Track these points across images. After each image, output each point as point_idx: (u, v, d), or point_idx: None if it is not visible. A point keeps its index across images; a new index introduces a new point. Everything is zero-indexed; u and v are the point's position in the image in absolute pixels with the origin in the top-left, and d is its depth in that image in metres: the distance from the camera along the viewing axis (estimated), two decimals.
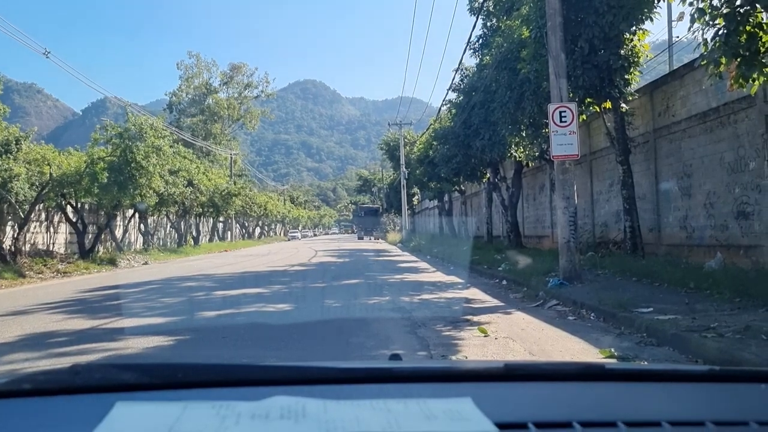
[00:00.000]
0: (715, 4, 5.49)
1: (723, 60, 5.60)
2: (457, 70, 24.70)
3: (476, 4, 21.94)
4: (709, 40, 5.78)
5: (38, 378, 1.25)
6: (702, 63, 6.08)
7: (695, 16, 5.65)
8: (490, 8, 20.83)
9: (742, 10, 5.29)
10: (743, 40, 5.31)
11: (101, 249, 26.96)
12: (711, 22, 5.60)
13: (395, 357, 1.63)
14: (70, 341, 6.96)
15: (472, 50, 22.66)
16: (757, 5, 5.06)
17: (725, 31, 5.41)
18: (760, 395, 1.23)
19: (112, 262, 23.73)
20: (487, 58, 18.85)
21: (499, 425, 0.90)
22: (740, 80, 5.68)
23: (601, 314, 7.96)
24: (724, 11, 5.41)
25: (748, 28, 5.34)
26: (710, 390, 1.28)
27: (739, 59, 5.47)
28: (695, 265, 10.67)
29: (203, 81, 64.92)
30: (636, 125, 13.79)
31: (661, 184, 13.42)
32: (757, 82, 5.74)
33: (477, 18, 21.08)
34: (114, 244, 29.22)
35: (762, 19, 5.35)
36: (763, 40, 5.38)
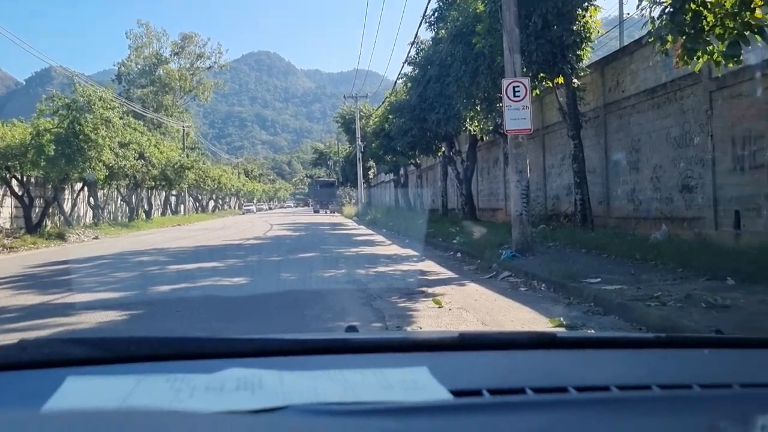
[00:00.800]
0: None
1: (669, 38, 5.77)
2: (412, 44, 24.63)
3: None
4: (656, 17, 5.95)
5: None
6: (649, 40, 6.26)
7: None
8: None
9: None
10: (688, 19, 5.48)
11: (49, 223, 26.23)
12: (658, 0, 5.76)
13: (351, 329, 1.63)
14: (20, 317, 6.83)
15: (427, 24, 22.58)
16: None
17: (671, 9, 5.57)
18: (703, 360, 1.29)
19: (60, 237, 23.14)
20: (443, 32, 18.86)
21: (455, 393, 0.91)
22: (685, 58, 5.87)
23: (551, 285, 8.19)
24: None
25: (693, 6, 5.51)
26: (656, 356, 1.32)
27: (684, 37, 5.65)
28: (642, 237, 11.02)
29: (153, 51, 63.14)
30: (587, 100, 14.05)
31: (610, 158, 13.75)
32: (701, 60, 5.93)
33: None
34: (62, 218, 28.47)
35: None
36: (708, 19, 5.56)
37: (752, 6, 5.32)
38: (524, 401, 0.92)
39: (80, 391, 0.95)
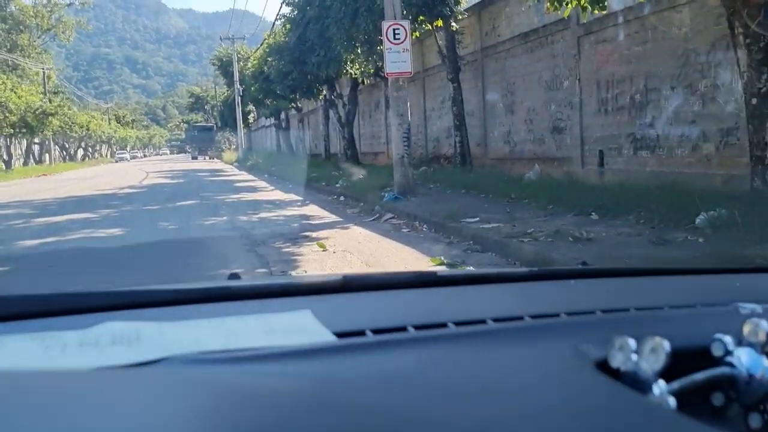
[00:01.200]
0: None
1: None
2: None
3: None
4: None
5: None
6: None
7: None
8: None
9: None
10: None
11: None
12: None
13: (234, 276, 1.59)
14: None
15: None
16: None
17: None
18: (569, 290, 1.36)
19: None
20: None
21: (338, 334, 0.93)
22: (555, 3, 6.10)
23: (432, 225, 8.44)
24: None
25: None
26: (528, 288, 1.39)
27: None
28: (517, 177, 11.55)
29: None
30: (466, 44, 14.31)
31: (487, 101, 14.17)
32: (569, 6, 6.19)
33: None
34: None
35: None
36: None
37: None
38: (406, 338, 0.93)
39: None
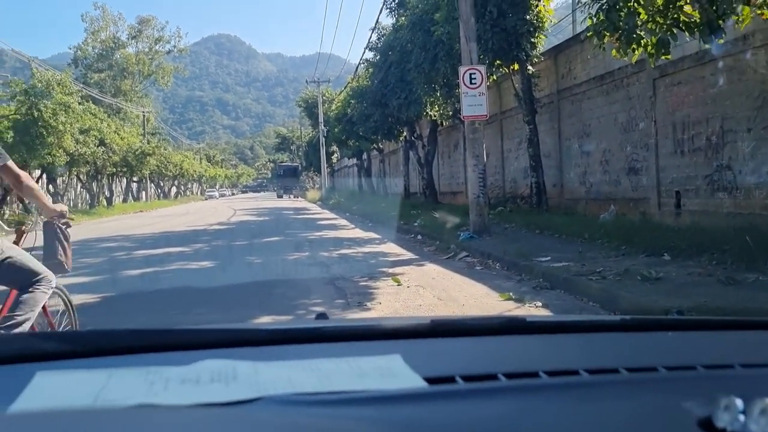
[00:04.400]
0: None
1: (606, 33, 6.25)
2: (374, 29, 24.90)
3: None
4: (593, 14, 6.43)
5: None
6: (588, 35, 6.75)
7: None
8: None
9: None
10: (623, 15, 5.96)
11: (8, 211, 25.95)
12: None
13: (322, 316, 1.63)
14: None
15: (388, 9, 22.86)
16: None
17: (607, 7, 6.05)
18: (666, 342, 1.31)
19: (20, 224, 22.92)
20: (403, 18, 19.17)
21: (429, 380, 0.92)
22: (620, 50, 6.36)
23: (505, 264, 8.69)
24: None
25: (629, 4, 5.98)
26: (622, 339, 1.35)
27: (619, 33, 6.13)
28: (592, 218, 11.62)
29: (110, 35, 61.93)
30: (542, 87, 14.57)
31: (563, 142, 14.32)
32: (636, 53, 6.43)
33: None
34: (21, 205, 28.13)
35: None
36: (641, 15, 6.04)
37: (678, 4, 5.82)
38: (497, 387, 0.93)
39: (51, 386, 0.93)
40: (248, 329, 1.37)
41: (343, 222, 20.78)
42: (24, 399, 0.87)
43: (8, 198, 25.91)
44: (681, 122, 9.99)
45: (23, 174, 3.47)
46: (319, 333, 1.30)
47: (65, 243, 3.67)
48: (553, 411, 0.84)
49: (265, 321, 5.51)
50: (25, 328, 3.19)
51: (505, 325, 1.37)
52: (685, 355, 1.16)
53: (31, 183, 3.55)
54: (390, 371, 0.96)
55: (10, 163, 3.39)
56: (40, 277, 3.35)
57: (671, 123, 10.23)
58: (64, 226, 3.69)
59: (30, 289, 3.29)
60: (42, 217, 3.71)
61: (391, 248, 11.79)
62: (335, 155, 55.55)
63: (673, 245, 7.97)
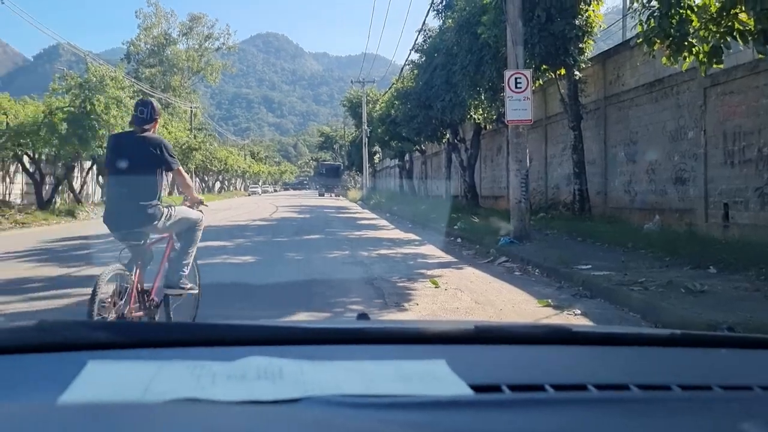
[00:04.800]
0: None
1: (657, 40, 6.15)
2: (420, 31, 24.89)
3: None
4: (644, 21, 6.33)
5: (4, 336, 1.20)
6: (638, 42, 6.64)
7: None
8: None
9: None
10: (674, 23, 5.85)
11: (59, 200, 26.76)
12: (647, 4, 6.13)
13: (363, 316, 1.64)
14: (44, 287, 7.31)
15: (435, 11, 22.82)
16: None
17: (658, 14, 5.95)
18: (721, 360, 1.27)
19: (70, 214, 23.65)
20: (450, 21, 19.13)
21: (474, 387, 0.91)
22: (671, 58, 6.25)
23: (544, 270, 8.62)
24: None
25: (680, 11, 5.88)
26: (673, 354, 1.31)
27: (670, 40, 6.03)
28: (636, 227, 11.43)
29: (162, 31, 63.28)
30: (588, 92, 14.38)
31: (609, 149, 14.12)
32: (687, 60, 6.31)
33: None
34: (72, 195, 28.97)
35: (692, 2, 5.88)
36: (693, 23, 5.93)
37: (733, 12, 5.69)
38: (545, 399, 0.92)
39: (103, 375, 0.95)
40: (293, 327, 1.38)
41: (383, 222, 20.84)
42: (76, 388, 0.88)
43: (60, 188, 26.72)
44: (732, 132, 9.76)
45: (187, 176, 5.26)
46: (363, 334, 1.31)
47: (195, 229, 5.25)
48: (603, 427, 0.83)
49: (305, 318, 5.59)
50: (182, 274, 4.91)
51: (551, 334, 1.36)
52: (741, 375, 1.13)
53: (189, 182, 5.43)
54: (435, 377, 0.96)
55: (180, 167, 4.97)
56: (194, 225, 5.11)
57: (722, 133, 10.00)
58: (199, 212, 5.41)
59: (187, 236, 5.04)
60: (187, 202, 5.36)
61: (431, 250, 11.79)
62: (377, 155, 55.67)
63: (719, 258, 7.79)
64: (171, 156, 4.75)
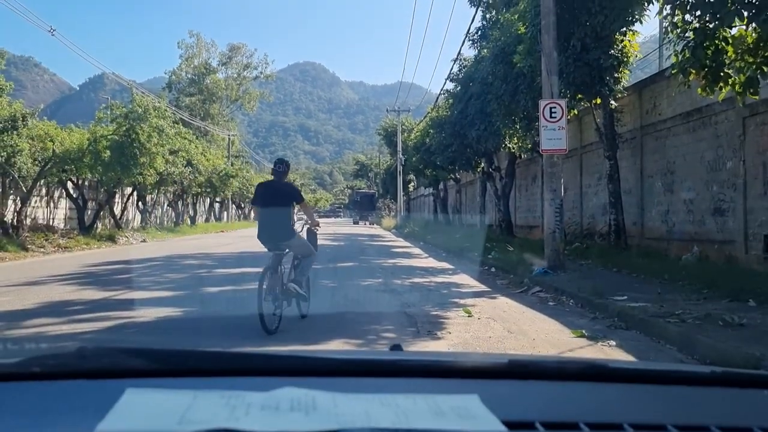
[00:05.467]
0: (687, 19, 6.02)
1: (692, 71, 6.15)
2: (455, 61, 25.17)
3: None
4: (679, 51, 6.33)
5: (47, 362, 1.23)
6: (673, 72, 6.64)
7: (669, 28, 6.19)
8: (490, 1, 21.28)
9: (711, 25, 5.81)
10: (710, 53, 5.85)
11: (100, 225, 27.41)
12: (682, 35, 6.14)
13: (396, 347, 1.64)
14: (85, 309, 7.52)
15: (470, 41, 23.11)
16: (724, 22, 5.59)
17: (693, 44, 5.95)
18: (762, 401, 1.24)
19: (111, 239, 24.20)
20: (485, 50, 19.29)
21: (507, 424, 0.91)
22: (707, 88, 6.24)
23: (579, 301, 8.54)
24: (695, 25, 5.93)
25: (716, 42, 5.87)
26: (713, 394, 1.28)
27: (705, 70, 6.02)
28: (673, 258, 11.26)
29: (203, 61, 64.91)
30: (624, 122, 14.31)
31: (645, 179, 13.98)
32: (723, 91, 6.28)
33: (476, 10, 21.56)
34: (113, 220, 29.66)
35: (728, 33, 5.88)
36: (729, 53, 5.91)
37: None
38: None
39: (140, 404, 0.97)
40: (326, 358, 1.38)
41: (417, 251, 20.85)
42: (113, 417, 0.91)
43: (101, 213, 27.40)
44: None
45: (310, 206, 7.09)
46: (396, 366, 1.32)
47: (316, 240, 7.53)
48: None
49: (339, 345, 5.65)
50: (302, 282, 7.03)
51: (586, 370, 1.33)
52: None
53: (311, 210, 7.67)
54: (468, 412, 0.96)
55: (305, 200, 7.19)
56: (312, 252, 7.25)
57: (761, 163, 9.85)
58: (317, 231, 7.48)
59: (307, 259, 7.14)
60: (307, 225, 7.36)
61: (464, 279, 11.76)
62: (412, 184, 55.89)
63: (759, 291, 7.63)
64: (300, 194, 7.11)
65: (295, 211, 7.34)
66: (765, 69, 5.81)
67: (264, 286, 6.31)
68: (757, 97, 6.68)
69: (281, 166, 7.00)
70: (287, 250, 6.94)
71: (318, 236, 7.57)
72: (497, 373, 1.28)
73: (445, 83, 25.79)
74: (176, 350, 1.35)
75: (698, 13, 5.79)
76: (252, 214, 68.15)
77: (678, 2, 5.94)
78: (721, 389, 1.31)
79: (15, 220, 21.45)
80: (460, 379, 1.26)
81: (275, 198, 6.81)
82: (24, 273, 12.07)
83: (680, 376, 1.41)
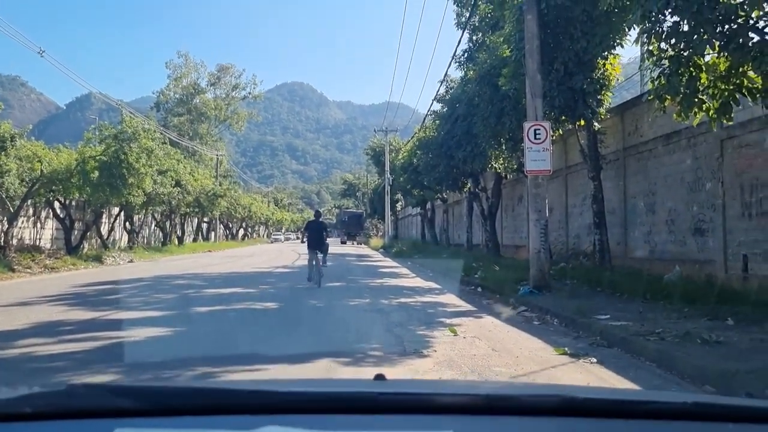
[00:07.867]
0: (662, 47, 6.26)
1: (667, 97, 6.38)
2: (442, 82, 25.55)
3: (462, 20, 22.70)
4: (655, 78, 6.58)
5: (36, 401, 1.24)
6: (649, 98, 6.87)
7: (645, 56, 6.44)
8: (476, 23, 21.64)
9: (685, 53, 6.05)
10: (684, 81, 6.08)
11: (87, 246, 27.34)
12: (658, 63, 6.39)
13: (380, 377, 1.68)
14: (75, 329, 7.58)
15: (457, 63, 23.43)
16: (697, 50, 5.82)
17: (668, 72, 6.19)
18: None
19: (98, 259, 24.16)
20: (471, 72, 19.56)
21: None
22: (682, 114, 6.47)
23: (563, 320, 8.70)
24: (671, 53, 6.17)
25: (690, 69, 6.11)
26: (683, 429, 1.30)
27: (680, 96, 6.24)
28: (655, 278, 11.43)
29: (191, 81, 65.18)
30: (607, 143, 14.57)
31: (629, 200, 14.23)
32: (698, 116, 6.52)
33: (462, 33, 21.91)
34: (100, 241, 29.59)
35: (701, 61, 6.11)
36: (702, 80, 6.15)
37: (741, 70, 5.91)
38: None
39: None
40: (308, 393, 1.41)
41: (405, 270, 20.98)
42: None
43: (88, 233, 27.33)
44: (749, 184, 9.86)
45: (327, 231, 15.20)
46: (376, 403, 1.34)
47: (328, 246, 15.45)
48: None
49: (325, 364, 5.75)
50: (325, 259, 15.28)
51: (561, 405, 1.33)
52: None
53: (326, 235, 15.35)
54: None
55: (328, 231, 15.93)
56: (328, 251, 15.54)
57: (739, 185, 10.10)
58: (328, 243, 15.49)
59: (326, 254, 15.34)
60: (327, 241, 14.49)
61: (451, 299, 11.90)
62: (399, 203, 56.11)
63: (737, 310, 7.84)
64: (326, 228, 14.99)
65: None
66: (737, 95, 6.06)
67: (313, 263, 13.98)
68: (731, 121, 6.92)
69: (318, 213, 16.17)
70: (319, 253, 14.17)
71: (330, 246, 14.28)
72: (474, 409, 1.30)
73: (432, 104, 26.14)
74: (162, 387, 1.40)
75: (673, 41, 6.03)
76: (239, 235, 68.34)
77: (654, 31, 6.19)
78: (689, 424, 1.32)
79: (2, 241, 21.38)
80: (438, 415, 1.28)
81: (317, 227, 14.75)
82: (12, 293, 12.08)
83: (653, 409, 1.41)
